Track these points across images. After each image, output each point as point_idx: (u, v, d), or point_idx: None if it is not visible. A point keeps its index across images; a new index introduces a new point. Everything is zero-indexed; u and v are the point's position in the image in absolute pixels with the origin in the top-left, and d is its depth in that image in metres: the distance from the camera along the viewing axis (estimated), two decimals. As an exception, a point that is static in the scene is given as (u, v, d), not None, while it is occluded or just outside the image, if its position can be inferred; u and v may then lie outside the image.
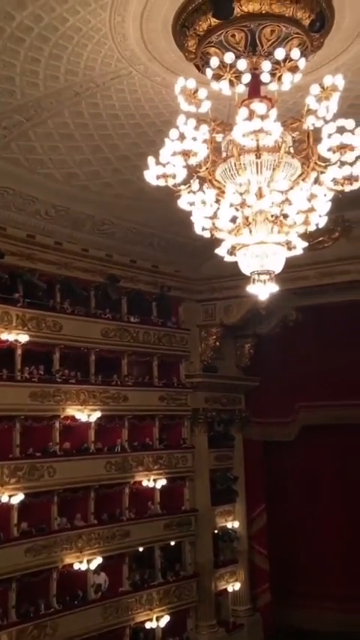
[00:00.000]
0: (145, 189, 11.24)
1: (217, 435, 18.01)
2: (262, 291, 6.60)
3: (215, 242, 6.72)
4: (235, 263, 6.70)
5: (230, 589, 17.42)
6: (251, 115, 5.76)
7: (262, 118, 5.73)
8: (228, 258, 6.68)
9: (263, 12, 6.48)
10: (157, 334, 16.31)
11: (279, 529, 18.70)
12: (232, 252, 6.54)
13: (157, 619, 14.79)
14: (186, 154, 6.00)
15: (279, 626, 17.95)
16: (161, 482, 15.57)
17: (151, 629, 14.74)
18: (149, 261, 15.91)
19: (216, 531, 17.35)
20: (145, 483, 15.32)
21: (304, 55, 6.59)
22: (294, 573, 18.59)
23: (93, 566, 13.75)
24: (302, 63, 6.27)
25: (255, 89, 6.50)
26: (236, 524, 17.91)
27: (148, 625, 14.66)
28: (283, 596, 18.42)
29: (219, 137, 6.46)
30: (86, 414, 14.12)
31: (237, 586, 17.52)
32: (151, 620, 14.72)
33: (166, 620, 14.88)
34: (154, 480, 15.43)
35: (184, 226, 8.04)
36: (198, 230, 6.53)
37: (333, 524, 18.52)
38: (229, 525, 17.79)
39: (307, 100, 6.04)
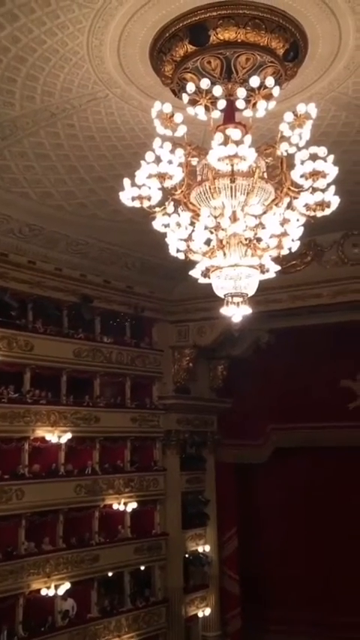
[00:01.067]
0: (121, 211, 11.30)
1: (189, 457, 17.90)
2: (236, 313, 6.63)
3: (189, 264, 6.75)
4: (209, 285, 6.73)
5: (200, 614, 17.19)
6: (226, 141, 5.84)
7: (237, 143, 5.82)
8: (202, 280, 6.71)
9: (239, 40, 6.62)
10: (131, 355, 16.24)
11: (250, 553, 18.58)
12: (206, 274, 6.57)
13: (126, 646, 14.51)
14: (161, 176, 6.05)
15: (249, 653, 17.75)
16: (132, 506, 15.37)
17: (120, 657, 14.44)
18: (123, 281, 15.89)
19: (187, 555, 17.15)
20: (115, 507, 15.10)
21: (279, 83, 6.73)
22: (265, 598, 18.46)
23: (61, 591, 13.43)
24: (276, 91, 6.39)
25: (230, 115, 6.60)
26: (207, 548, 17.74)
27: (116, 653, 14.37)
28: (254, 622, 18.22)
29: (194, 161, 6.54)
30: (56, 436, 13.90)
31: (207, 611, 17.30)
32: (119, 647, 14.44)
33: (134, 647, 14.60)
34: (125, 504, 15.23)
35: (158, 248, 8.08)
36: (172, 252, 6.56)
37: (305, 548, 18.47)
38: (200, 549, 17.61)
39: (280, 126, 6.15)
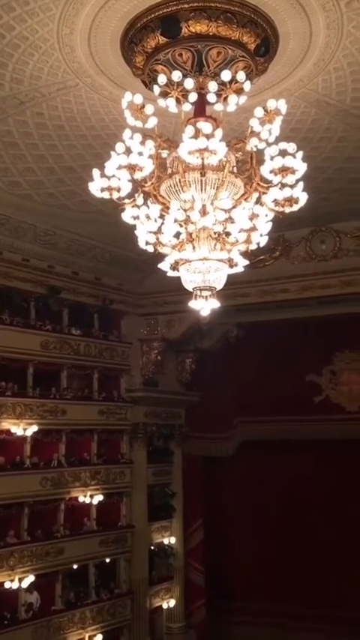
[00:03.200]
0: (90, 202, 11.21)
1: (156, 450, 17.94)
2: (204, 306, 6.66)
3: (158, 257, 6.74)
4: (178, 278, 6.73)
5: (165, 606, 17.29)
6: (197, 134, 5.84)
7: (208, 137, 5.82)
8: (171, 273, 6.70)
9: (210, 34, 6.61)
10: (99, 347, 16.16)
11: (216, 545, 18.74)
12: (174, 267, 6.57)
13: (90, 638, 14.48)
14: (131, 168, 6.02)
15: (213, 643, 17.93)
16: (98, 498, 15.34)
17: (84, 649, 14.43)
18: (92, 273, 15.78)
19: (152, 547, 17.22)
20: (81, 499, 15.05)
21: (250, 78, 6.75)
22: (230, 589, 18.66)
23: (25, 584, 13.32)
24: (247, 85, 6.41)
25: (201, 108, 6.60)
26: (173, 540, 17.84)
27: (80, 645, 14.35)
28: (218, 613, 18.42)
29: (164, 153, 6.52)
30: (22, 428, 13.75)
31: (172, 603, 17.41)
32: (83, 639, 14.40)
33: (99, 639, 14.59)
34: (91, 496, 15.19)
35: (127, 240, 8.06)
36: (141, 244, 6.54)
37: (269, 540, 18.69)
38: (166, 541, 17.70)
39: (250, 122, 6.17)
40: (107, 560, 15.68)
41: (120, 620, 15.51)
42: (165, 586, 17.40)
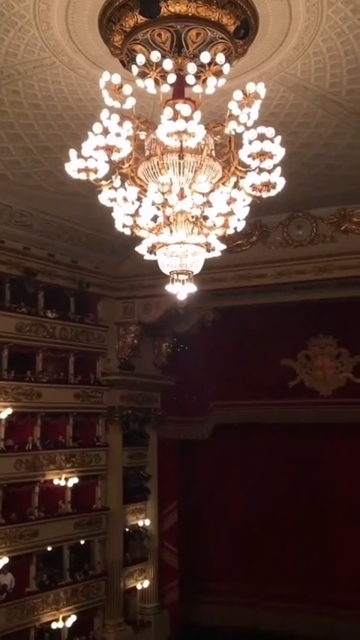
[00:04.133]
0: (66, 183, 11.09)
1: (131, 434, 17.99)
2: (181, 290, 6.65)
3: (135, 240, 6.70)
4: (155, 262, 6.71)
5: (139, 587, 17.47)
6: (176, 116, 5.78)
7: (187, 119, 5.77)
8: (148, 257, 6.67)
9: (189, 14, 6.53)
10: (75, 330, 16.07)
11: (190, 527, 18.95)
12: (152, 250, 6.54)
13: (64, 619, 14.57)
14: (109, 149, 5.95)
15: (186, 623, 18.16)
16: (73, 481, 15.35)
17: (57, 630, 14.49)
18: (68, 255, 15.64)
19: (127, 529, 17.34)
20: (56, 482, 15.04)
21: (229, 60, 6.69)
22: (203, 570, 18.90)
23: (-1, 566, 13.38)
24: (227, 68, 6.36)
25: (180, 90, 6.54)
26: (147, 522, 17.97)
27: (54, 625, 14.40)
28: (191, 593, 18.68)
29: (142, 135, 6.46)
30: (-3, 411, 13.70)
31: (146, 584, 17.59)
32: (57, 620, 14.47)
33: (72, 619, 14.69)
34: (66, 479, 15.19)
35: (104, 223, 7.98)
36: (118, 227, 6.49)
37: (243, 522, 18.96)
38: (141, 523, 17.83)
39: (229, 105, 6.14)
40: (82, 542, 15.74)
41: (94, 601, 15.62)
42: (139, 567, 17.56)
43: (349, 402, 17.26)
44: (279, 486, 18.64)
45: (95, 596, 15.65)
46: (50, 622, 14.35)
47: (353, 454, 17.94)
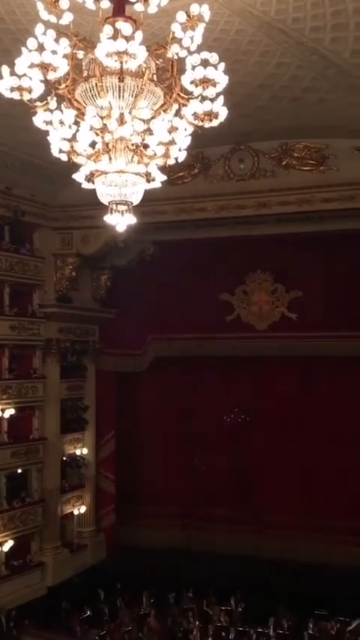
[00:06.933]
0: (-1, 103, 10.45)
1: (69, 366, 18.04)
2: (120, 222, 6.52)
3: (73, 167, 6.46)
4: (94, 192, 6.51)
5: (76, 512, 18.00)
6: (116, 35, 5.48)
7: (127, 39, 5.48)
8: (85, 185, 6.46)
9: None
10: (10, 261, 15.64)
11: (127, 455, 19.48)
12: (90, 178, 6.32)
13: (1, 544, 14.92)
14: (44, 67, 5.59)
15: (122, 545, 18.94)
16: (9, 412, 15.36)
17: (-5, 554, 14.88)
18: (1, 182, 14.99)
19: (65, 458, 17.66)
20: (-8, 412, 15.04)
21: (173, -23, 6.36)
22: (138, 495, 19.60)
23: None
24: (170, -14, 6.04)
25: (120, 7, 6.16)
26: (85, 451, 18.35)
27: (-9, 550, 14.77)
28: (127, 517, 19.42)
29: (80, 54, 6.10)
30: None
31: (82, 509, 18.14)
32: (-6, 545, 14.83)
33: (9, 544, 15.06)
34: (2, 410, 15.19)
35: (40, 148, 7.63)
36: (55, 152, 6.21)
37: (176, 450, 19.63)
38: (78, 452, 18.18)
39: (172, 27, 5.86)
40: (19, 470, 15.93)
41: (31, 526, 16.02)
42: (76, 494, 18.04)
43: (283, 336, 17.82)
44: (213, 416, 19.29)
45: (32, 522, 16.04)
46: (-13, 547, 14.67)
47: (283, 385, 18.68)
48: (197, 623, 14.16)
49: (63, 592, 15.77)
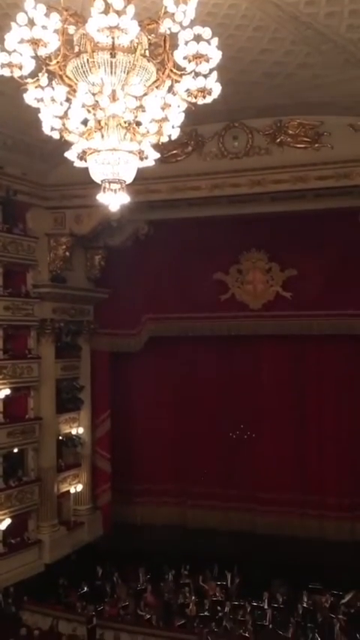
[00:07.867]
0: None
1: (64, 346, 18.04)
2: (113, 200, 6.46)
3: (65, 145, 6.39)
4: (87, 170, 6.44)
5: (72, 490, 18.15)
6: (107, 9, 5.38)
7: (119, 13, 5.38)
8: (78, 164, 6.39)
9: None
10: (2, 241, 15.54)
11: (122, 434, 19.60)
12: (82, 157, 6.25)
13: (-1, 523, 15.07)
14: (35, 42, 5.49)
15: (119, 522, 19.14)
16: (5, 392, 15.39)
17: (-8, 532, 15.02)
18: (-7, 161, 14.84)
19: (60, 437, 17.75)
20: (-13, 393, 15.06)
21: None
22: (134, 474, 19.77)
23: None
24: None
25: (112, -20, 6.05)
26: (81, 430, 18.44)
27: (-12, 529, 14.90)
28: (123, 495, 19.61)
29: (72, 29, 6.00)
30: None
31: (79, 487, 18.29)
32: (-9, 524, 14.96)
33: (7, 522, 15.19)
34: (-2, 390, 15.22)
35: (31, 126, 7.54)
36: (46, 130, 6.13)
37: (171, 429, 19.74)
38: (74, 432, 18.27)
39: (164, 1, 5.76)
40: (15, 450, 16.01)
41: (28, 505, 16.14)
42: (73, 472, 18.18)
43: (277, 315, 17.85)
44: (208, 394, 19.38)
45: (29, 501, 16.16)
46: (-16, 526, 14.80)
47: (278, 363, 18.76)
48: (193, 597, 14.42)
49: (60, 569, 15.98)
